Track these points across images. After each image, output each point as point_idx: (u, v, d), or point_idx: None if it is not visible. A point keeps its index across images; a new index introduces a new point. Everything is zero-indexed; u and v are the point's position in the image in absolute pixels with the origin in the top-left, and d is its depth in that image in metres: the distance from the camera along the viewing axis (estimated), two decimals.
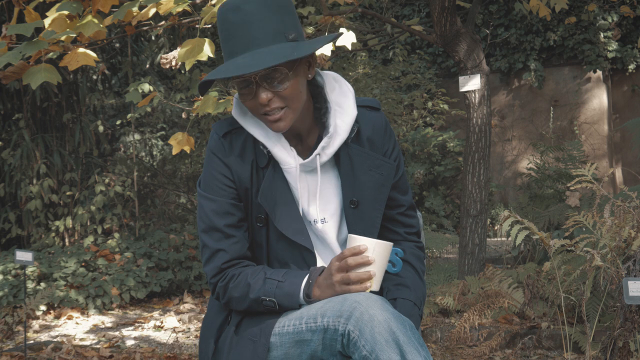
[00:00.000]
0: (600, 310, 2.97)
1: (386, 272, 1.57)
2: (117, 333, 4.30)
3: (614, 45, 8.48)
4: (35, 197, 5.75)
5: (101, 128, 6.27)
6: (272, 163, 1.55)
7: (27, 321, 4.50)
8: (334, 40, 1.56)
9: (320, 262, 1.60)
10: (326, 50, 3.17)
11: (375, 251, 1.47)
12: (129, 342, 4.05)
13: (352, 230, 1.58)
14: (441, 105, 8.84)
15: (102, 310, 4.92)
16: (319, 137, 1.58)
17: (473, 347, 3.50)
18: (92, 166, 6.23)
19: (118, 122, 6.92)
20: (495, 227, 7.71)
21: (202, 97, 3.36)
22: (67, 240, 5.92)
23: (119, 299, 4.98)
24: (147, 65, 7.08)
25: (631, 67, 8.58)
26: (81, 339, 4.15)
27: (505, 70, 9.06)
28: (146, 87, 4.71)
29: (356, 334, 1.34)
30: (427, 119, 8.90)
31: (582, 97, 8.81)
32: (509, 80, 9.23)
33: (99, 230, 5.87)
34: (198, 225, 1.59)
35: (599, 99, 8.76)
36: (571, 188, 3.20)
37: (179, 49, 2.75)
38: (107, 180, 6.00)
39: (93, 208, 5.84)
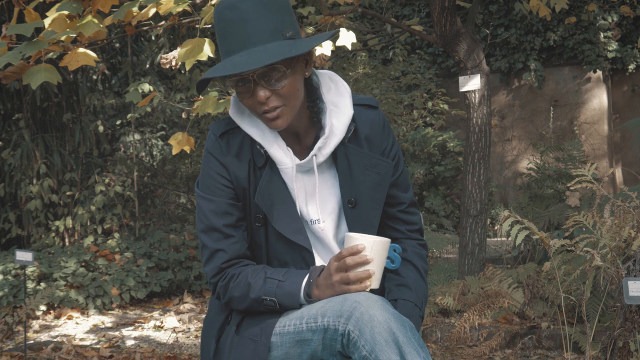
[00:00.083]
0: (600, 310, 2.97)
1: (387, 270, 1.57)
2: (117, 333, 4.30)
3: (614, 45, 8.48)
4: (35, 197, 5.75)
5: (101, 128, 6.27)
6: (270, 163, 1.55)
7: (27, 321, 4.50)
8: (331, 38, 1.56)
9: (319, 262, 1.60)
10: (326, 50, 3.18)
11: (373, 249, 1.47)
12: (129, 342, 4.05)
13: (351, 229, 1.58)
14: (441, 105, 8.84)
15: (102, 310, 4.92)
16: (316, 137, 1.58)
17: (473, 347, 3.50)
18: (92, 166, 6.23)
19: (118, 122, 6.93)
20: (495, 227, 7.71)
21: (202, 97, 3.36)
22: (67, 240, 5.93)
23: (119, 299, 4.98)
24: (147, 65, 7.08)
25: (631, 67, 8.58)
26: (81, 339, 4.15)
27: (505, 70, 9.06)
28: (146, 87, 4.72)
29: (356, 334, 1.34)
30: (427, 119, 8.90)
31: (582, 97, 8.81)
32: (509, 80, 9.23)
33: (99, 230, 5.87)
34: (197, 226, 1.59)
35: (599, 99, 8.76)
36: (571, 188, 3.20)
37: (179, 49, 2.75)
38: (107, 180, 6.00)
39: (93, 208, 5.84)
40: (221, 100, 3.29)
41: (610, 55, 8.50)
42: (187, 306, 4.97)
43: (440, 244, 6.01)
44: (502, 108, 9.30)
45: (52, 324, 4.59)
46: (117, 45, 6.71)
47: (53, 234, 5.87)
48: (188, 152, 3.45)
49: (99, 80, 6.87)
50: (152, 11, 2.76)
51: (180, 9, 2.72)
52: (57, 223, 5.81)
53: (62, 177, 6.02)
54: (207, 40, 2.68)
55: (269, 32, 1.44)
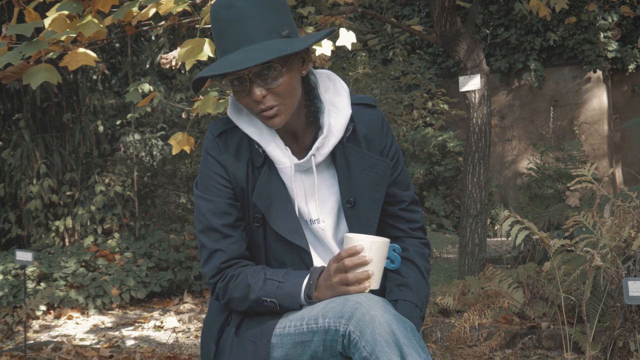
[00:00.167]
0: (600, 310, 2.97)
1: (387, 270, 1.56)
2: (117, 333, 4.30)
3: (614, 45, 8.48)
4: (35, 197, 5.75)
5: (101, 128, 6.27)
6: (268, 162, 1.55)
7: (27, 321, 4.50)
8: (328, 36, 1.55)
9: (318, 262, 1.59)
10: (326, 50, 3.17)
11: (372, 250, 1.47)
12: (129, 342, 4.05)
13: (350, 229, 1.58)
14: (441, 105, 8.84)
15: (102, 310, 4.92)
16: (314, 137, 1.58)
17: (473, 347, 3.50)
18: (92, 166, 6.23)
19: (118, 122, 6.93)
20: (495, 227, 7.71)
21: (202, 97, 3.36)
22: (67, 240, 5.93)
23: (119, 299, 4.98)
24: (147, 65, 7.08)
25: (631, 67, 8.58)
26: (81, 339, 4.15)
27: (505, 70, 9.06)
28: (146, 87, 4.72)
29: (357, 335, 1.34)
30: (427, 119, 8.90)
31: (582, 97, 8.81)
32: (509, 80, 9.23)
33: (99, 230, 5.87)
34: (196, 226, 1.58)
35: (599, 99, 8.76)
36: (571, 188, 3.20)
37: (179, 49, 2.75)
38: (107, 180, 6.00)
39: (93, 208, 5.84)
40: (221, 100, 3.29)
41: (610, 55, 8.50)
42: (187, 306, 4.97)
43: (440, 244, 6.01)
44: (502, 108, 9.30)
45: (52, 324, 4.59)
46: (117, 45, 6.71)
47: (53, 234, 5.87)
48: (188, 152, 3.45)
49: (99, 80, 6.87)
50: (152, 11, 2.76)
51: (180, 9, 2.72)
52: (57, 223, 5.81)
53: (62, 177, 6.03)
54: (207, 40, 2.68)
55: (265, 30, 1.44)
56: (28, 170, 5.87)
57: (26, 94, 5.99)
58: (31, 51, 2.67)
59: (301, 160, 1.54)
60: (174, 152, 3.38)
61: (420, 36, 4.32)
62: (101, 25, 2.78)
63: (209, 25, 3.03)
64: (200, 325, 4.42)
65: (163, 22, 3.34)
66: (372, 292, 1.49)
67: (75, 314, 4.74)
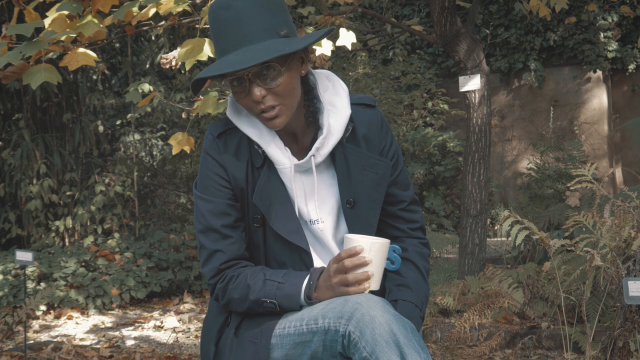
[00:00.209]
0: (600, 310, 2.97)
1: (386, 270, 1.56)
2: (117, 333, 4.30)
3: (614, 45, 8.48)
4: (35, 197, 5.75)
5: (101, 128, 6.27)
6: (267, 163, 1.54)
7: (27, 321, 4.50)
8: (326, 35, 1.55)
9: (318, 262, 1.59)
10: (326, 50, 3.17)
11: (372, 251, 1.47)
12: (129, 342, 4.05)
13: (350, 229, 1.58)
14: (441, 105, 8.84)
15: (102, 310, 4.92)
16: (314, 137, 1.57)
17: (473, 347, 3.50)
18: (92, 166, 6.23)
19: (118, 122, 6.93)
20: (495, 227, 7.71)
21: (202, 97, 3.36)
22: (67, 240, 5.93)
23: (119, 299, 4.98)
24: (147, 65, 7.08)
25: (631, 67, 8.58)
26: (81, 339, 4.15)
27: (505, 70, 9.06)
28: (146, 87, 4.72)
29: (357, 335, 1.34)
30: (427, 119, 8.91)
31: (582, 97, 8.81)
32: (509, 80, 9.23)
33: (99, 230, 5.87)
34: (195, 226, 1.58)
35: (599, 99, 8.76)
36: (571, 188, 3.20)
37: (179, 49, 2.75)
38: (107, 180, 6.00)
39: (93, 208, 5.84)
40: (221, 101, 3.29)
41: (610, 55, 8.50)
42: (187, 306, 4.97)
43: (440, 244, 6.01)
44: (502, 108, 9.30)
45: (52, 324, 4.59)
46: (117, 45, 6.71)
47: (53, 234, 5.87)
48: (188, 152, 3.45)
49: (99, 80, 6.87)
50: (152, 11, 2.76)
51: (180, 9, 2.72)
52: (57, 223, 5.81)
53: (62, 177, 6.03)
54: (207, 40, 2.68)
55: (264, 30, 1.44)
56: (28, 170, 5.87)
57: (26, 94, 5.99)
58: (31, 51, 2.67)
59: (301, 161, 1.54)
60: (174, 152, 3.38)
61: (420, 36, 4.32)
62: (101, 25, 2.78)
63: (209, 25, 3.03)
64: (200, 325, 4.42)
65: (163, 22, 3.34)
66: (372, 292, 1.48)
67: (75, 314, 4.74)
